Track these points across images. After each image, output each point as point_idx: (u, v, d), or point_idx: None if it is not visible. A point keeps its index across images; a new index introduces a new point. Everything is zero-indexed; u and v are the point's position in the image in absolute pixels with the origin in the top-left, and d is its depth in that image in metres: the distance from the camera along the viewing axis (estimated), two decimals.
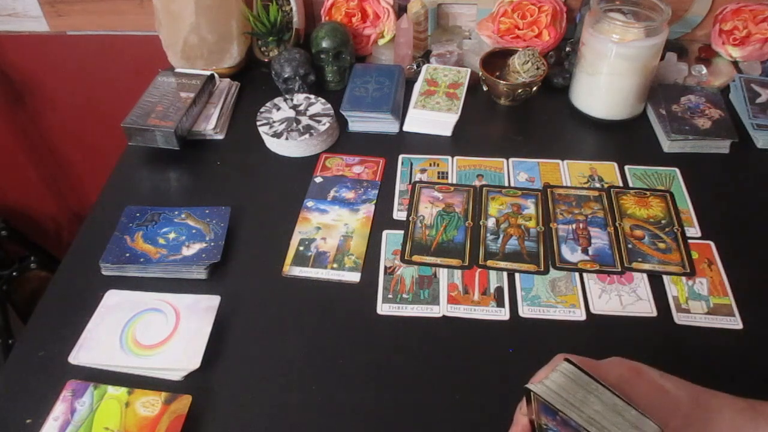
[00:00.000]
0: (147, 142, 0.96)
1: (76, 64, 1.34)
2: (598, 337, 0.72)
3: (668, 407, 0.45)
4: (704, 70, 1.10)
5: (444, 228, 0.85)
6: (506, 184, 0.92)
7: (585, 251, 0.82)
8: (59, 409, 0.64)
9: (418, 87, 1.05)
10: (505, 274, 0.79)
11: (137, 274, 0.80)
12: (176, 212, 0.87)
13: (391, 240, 0.84)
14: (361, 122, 1.02)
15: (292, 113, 1.00)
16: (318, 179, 0.94)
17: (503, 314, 0.75)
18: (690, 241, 0.83)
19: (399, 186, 0.92)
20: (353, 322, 0.75)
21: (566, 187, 0.91)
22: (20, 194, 1.59)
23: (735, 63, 1.13)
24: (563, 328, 0.73)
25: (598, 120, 1.03)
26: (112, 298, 0.76)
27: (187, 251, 0.81)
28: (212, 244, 0.82)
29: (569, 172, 0.94)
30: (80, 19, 1.26)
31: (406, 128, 1.02)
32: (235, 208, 0.87)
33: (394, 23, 1.13)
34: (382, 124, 1.02)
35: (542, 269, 0.79)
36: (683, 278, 0.78)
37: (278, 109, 1.02)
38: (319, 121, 0.98)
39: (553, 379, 0.47)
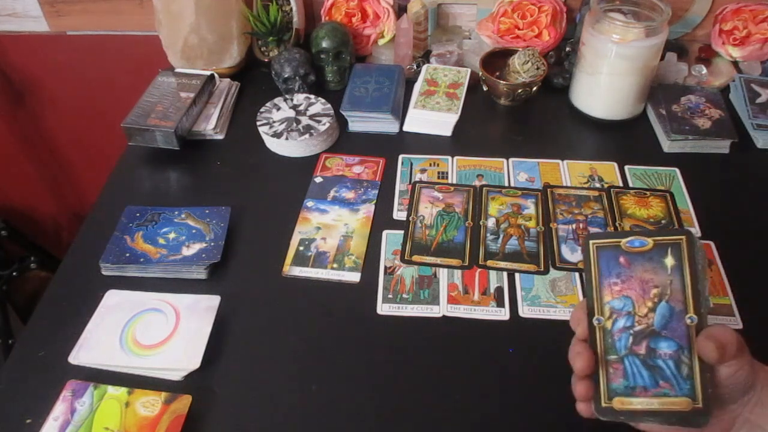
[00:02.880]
0: (147, 142, 0.96)
1: (76, 64, 1.34)
2: None
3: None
4: (704, 70, 1.10)
5: (444, 228, 0.85)
6: (506, 184, 0.92)
7: None
8: (59, 409, 0.64)
9: (418, 87, 1.05)
10: (505, 274, 0.79)
11: (137, 274, 0.80)
12: (176, 212, 0.87)
13: (391, 240, 0.84)
14: (361, 122, 1.02)
15: (292, 113, 1.00)
16: (318, 179, 0.94)
17: (503, 314, 0.75)
18: None
19: (399, 186, 0.92)
20: (353, 322, 0.75)
21: (566, 187, 0.91)
22: (20, 194, 1.59)
23: (735, 63, 1.13)
24: (563, 328, 0.73)
25: (598, 120, 1.03)
26: (112, 298, 0.76)
27: (187, 251, 0.81)
28: (212, 244, 0.82)
29: (569, 172, 0.94)
30: (80, 19, 1.26)
31: (406, 128, 1.02)
32: (235, 208, 0.87)
33: (394, 23, 1.13)
34: (382, 124, 1.02)
35: (542, 269, 0.79)
36: None
37: (278, 109, 1.02)
38: (319, 121, 0.98)
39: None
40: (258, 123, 0.99)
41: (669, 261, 0.47)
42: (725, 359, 0.44)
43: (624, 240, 0.49)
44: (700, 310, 0.46)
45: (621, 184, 0.91)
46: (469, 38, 1.19)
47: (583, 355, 0.48)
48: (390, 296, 0.77)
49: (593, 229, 0.84)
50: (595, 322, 0.49)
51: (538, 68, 1.01)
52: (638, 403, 0.46)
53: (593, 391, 0.48)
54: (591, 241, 0.50)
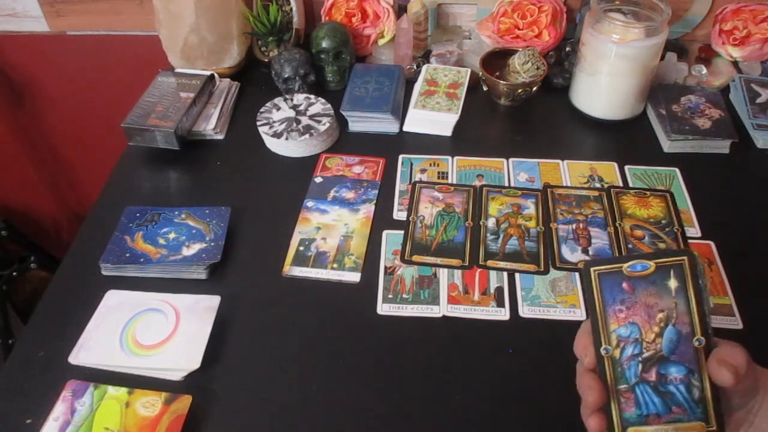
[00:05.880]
0: (147, 142, 0.96)
1: (76, 64, 1.34)
2: None
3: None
4: (704, 70, 1.10)
5: (444, 228, 0.85)
6: (506, 184, 0.92)
7: (585, 251, 0.82)
8: (59, 409, 0.64)
9: (418, 87, 1.05)
10: (505, 274, 0.79)
11: (137, 274, 0.79)
12: (176, 212, 0.87)
13: (391, 240, 0.84)
14: (361, 122, 1.02)
15: (292, 113, 1.00)
16: (318, 179, 0.94)
17: (503, 314, 0.75)
18: (690, 241, 0.83)
19: (399, 186, 0.92)
20: (353, 322, 0.75)
21: (566, 187, 0.91)
22: (20, 194, 1.59)
23: (735, 63, 1.13)
24: (563, 328, 0.73)
25: (598, 120, 1.03)
26: (112, 298, 0.76)
27: (187, 251, 0.81)
28: (212, 244, 0.82)
29: (569, 172, 0.94)
30: (80, 19, 1.26)
31: (406, 128, 1.02)
32: (235, 208, 0.87)
33: (394, 23, 1.13)
34: (382, 124, 1.02)
35: (542, 269, 0.79)
36: None
37: (278, 109, 1.02)
38: (319, 121, 0.98)
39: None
40: (258, 123, 0.99)
41: (672, 283, 0.47)
42: (739, 381, 0.43)
43: (625, 265, 0.48)
44: (707, 331, 0.46)
45: (621, 184, 0.91)
46: (469, 38, 1.19)
47: (595, 389, 0.47)
48: (390, 296, 0.77)
49: (593, 229, 0.84)
50: (603, 352, 0.48)
51: (538, 68, 1.01)
52: (652, 431, 0.46)
53: (607, 424, 0.47)
54: (592, 269, 0.49)
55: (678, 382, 0.46)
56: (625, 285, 0.48)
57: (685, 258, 0.47)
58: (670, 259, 0.47)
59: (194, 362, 0.68)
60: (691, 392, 0.45)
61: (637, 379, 0.47)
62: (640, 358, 0.47)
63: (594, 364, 0.48)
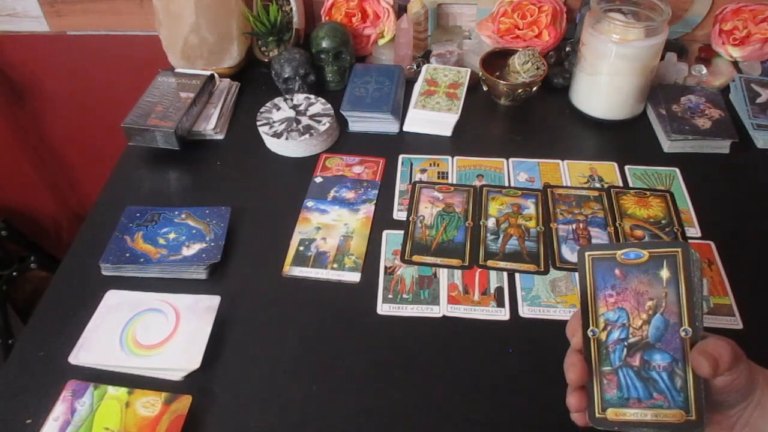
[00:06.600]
0: (147, 142, 0.96)
1: (76, 64, 1.34)
2: None
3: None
4: (704, 70, 1.10)
5: (444, 228, 0.85)
6: (506, 184, 0.92)
7: None
8: (59, 409, 0.64)
9: (418, 87, 1.05)
10: (505, 274, 0.79)
11: (137, 274, 0.79)
12: (176, 212, 0.87)
13: (391, 240, 0.84)
14: (361, 122, 1.02)
15: (292, 113, 1.00)
16: (318, 179, 0.94)
17: (503, 314, 0.75)
18: (690, 241, 0.83)
19: (399, 186, 0.92)
20: (353, 322, 0.75)
21: (566, 187, 0.91)
22: (20, 194, 1.59)
23: (735, 63, 1.13)
24: (563, 328, 0.73)
25: (598, 120, 1.03)
26: (112, 298, 0.76)
27: (187, 251, 0.81)
28: (212, 244, 0.82)
29: (569, 172, 0.94)
30: (80, 19, 1.26)
31: (406, 128, 1.02)
32: (235, 208, 0.87)
33: (394, 23, 1.13)
34: (382, 124, 1.02)
35: (542, 269, 0.79)
36: None
37: (278, 109, 1.02)
38: (319, 121, 0.98)
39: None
40: (258, 123, 0.99)
41: (664, 273, 0.47)
42: (719, 373, 0.44)
43: (619, 252, 0.49)
44: (694, 322, 0.46)
45: (621, 184, 0.91)
46: (469, 38, 1.19)
47: (577, 367, 0.48)
48: (390, 296, 0.77)
49: (593, 229, 0.84)
50: (589, 334, 0.49)
51: (538, 68, 1.01)
52: (632, 414, 0.47)
53: (587, 403, 0.48)
54: (586, 253, 0.50)
55: (661, 370, 0.46)
56: (617, 271, 0.49)
57: (679, 250, 0.47)
58: (665, 249, 0.48)
59: (194, 362, 0.68)
60: (673, 380, 0.46)
61: (620, 363, 0.47)
62: (625, 343, 0.48)
63: (581, 346, 0.49)
